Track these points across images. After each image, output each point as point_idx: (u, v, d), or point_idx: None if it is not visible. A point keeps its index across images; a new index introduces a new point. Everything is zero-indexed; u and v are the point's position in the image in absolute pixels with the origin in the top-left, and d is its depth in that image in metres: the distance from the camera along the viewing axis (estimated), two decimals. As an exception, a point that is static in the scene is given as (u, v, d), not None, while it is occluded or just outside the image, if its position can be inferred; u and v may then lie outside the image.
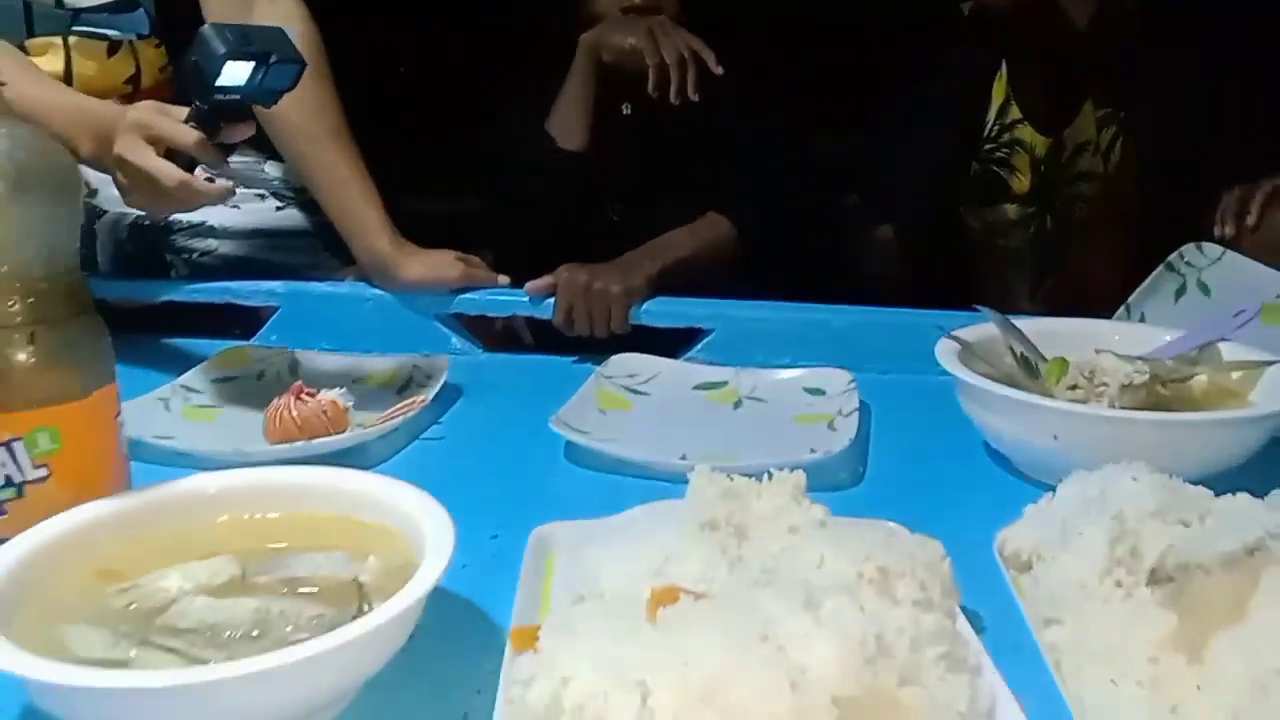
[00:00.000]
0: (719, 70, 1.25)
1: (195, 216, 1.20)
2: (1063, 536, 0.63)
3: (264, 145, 1.22)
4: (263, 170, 1.24)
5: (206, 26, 0.85)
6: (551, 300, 1.19)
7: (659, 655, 0.49)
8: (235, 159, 1.25)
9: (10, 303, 0.60)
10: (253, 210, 1.23)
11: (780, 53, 1.50)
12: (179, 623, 0.54)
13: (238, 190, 1.22)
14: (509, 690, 0.52)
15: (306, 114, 1.10)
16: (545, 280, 1.18)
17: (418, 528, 0.58)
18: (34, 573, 0.56)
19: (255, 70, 0.85)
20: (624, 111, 1.40)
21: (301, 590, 0.57)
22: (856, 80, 1.54)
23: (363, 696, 0.55)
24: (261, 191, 1.23)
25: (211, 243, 1.21)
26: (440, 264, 1.16)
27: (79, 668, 0.48)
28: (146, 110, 0.89)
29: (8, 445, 0.61)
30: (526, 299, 1.19)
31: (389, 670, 0.55)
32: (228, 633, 0.53)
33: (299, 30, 1.09)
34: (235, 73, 0.84)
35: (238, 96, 0.85)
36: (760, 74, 1.39)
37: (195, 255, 1.17)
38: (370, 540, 0.60)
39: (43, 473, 0.62)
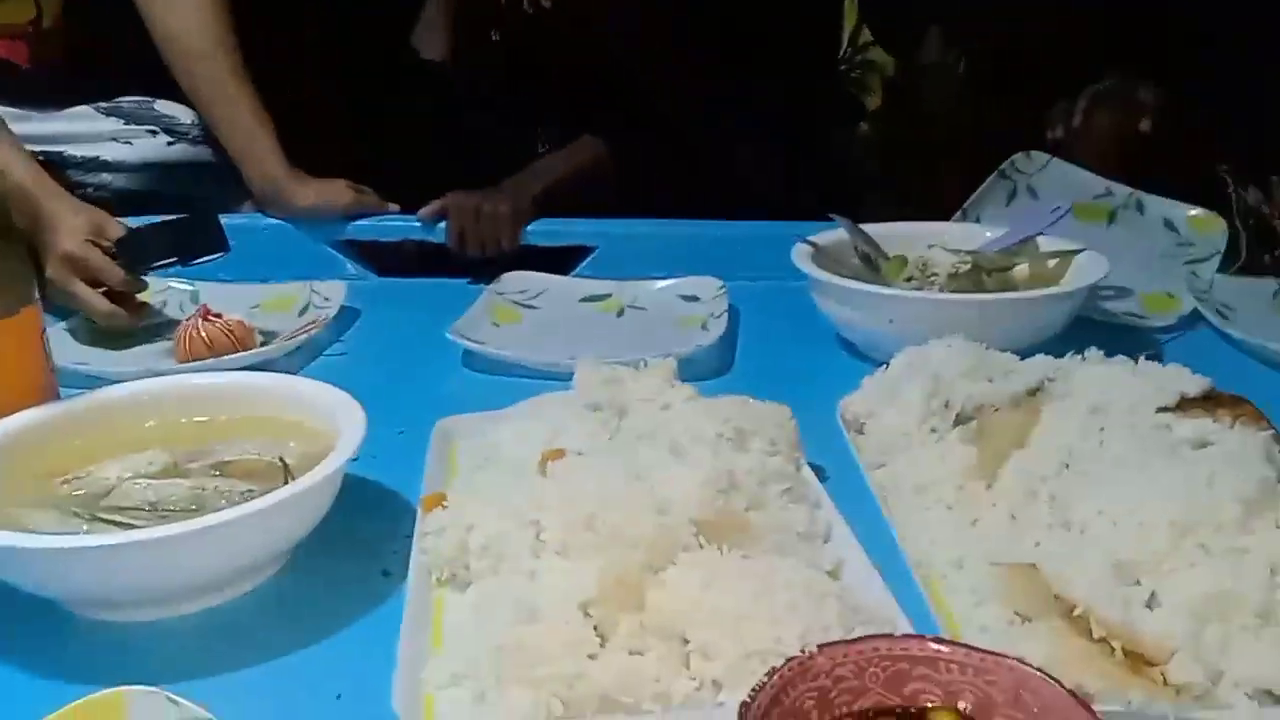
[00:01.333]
0: None
1: (88, 151, 1.23)
2: (890, 396, 0.74)
3: (153, 84, 1.25)
4: (153, 108, 1.27)
5: (140, 228, 1.00)
6: (441, 225, 1.26)
7: (548, 498, 0.58)
8: (125, 100, 1.28)
9: (-67, 229, 0.65)
10: (144, 145, 1.25)
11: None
12: (122, 502, 0.61)
13: (130, 126, 1.26)
14: (422, 541, 0.61)
15: (201, 38, 1.14)
16: (435, 205, 1.25)
17: (332, 417, 0.66)
18: (-14, 471, 0.62)
19: (181, 260, 1.02)
20: (492, 38, 1.45)
21: (230, 472, 0.64)
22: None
23: (295, 558, 0.63)
24: (152, 128, 1.26)
25: (105, 177, 1.23)
26: (332, 190, 1.21)
27: (41, 535, 0.55)
28: (79, 244, 0.96)
29: (-59, 361, 0.66)
30: (417, 224, 1.26)
31: (315, 537, 0.63)
32: (168, 509, 0.60)
33: None
34: (163, 263, 1.01)
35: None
36: None
37: (90, 190, 1.19)
38: (290, 431, 0.68)
39: (-25, 386, 0.67)
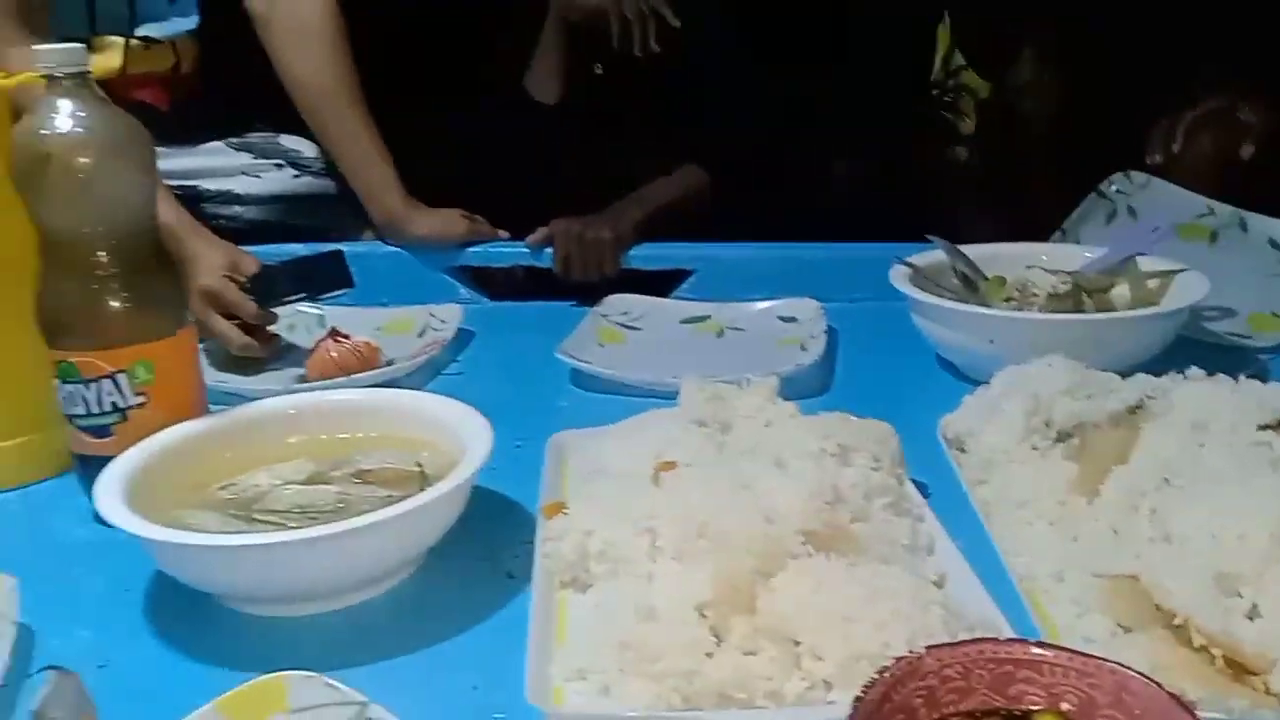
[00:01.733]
0: (677, 23, 1.37)
1: (221, 185, 1.32)
2: (991, 415, 0.76)
3: (279, 120, 1.34)
4: (279, 142, 1.36)
5: (272, 265, 1.08)
6: (549, 251, 1.31)
7: (662, 507, 0.62)
8: (254, 135, 1.37)
9: (106, 257, 0.72)
10: (272, 179, 1.34)
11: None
12: (275, 506, 0.67)
13: (258, 161, 1.35)
14: (544, 547, 0.66)
15: (327, 80, 1.23)
16: (542, 232, 1.31)
17: (460, 430, 0.71)
18: (148, 477, 0.68)
19: (310, 295, 1.10)
20: (596, 71, 1.51)
21: (371, 480, 0.69)
22: (810, 26, 1.64)
23: (428, 561, 0.69)
24: (279, 161, 1.35)
25: (237, 209, 1.32)
26: (448, 220, 1.29)
27: (208, 533, 0.61)
28: (217, 279, 1.05)
29: (112, 377, 0.73)
30: (526, 250, 1.32)
31: (444, 541, 0.68)
32: (316, 512, 0.66)
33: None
34: (292, 298, 1.09)
35: None
36: (720, 26, 1.50)
37: (223, 222, 1.28)
38: (423, 444, 0.73)
39: (141, 400, 0.74)
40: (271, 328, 1.09)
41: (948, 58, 1.57)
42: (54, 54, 0.70)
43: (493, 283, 1.34)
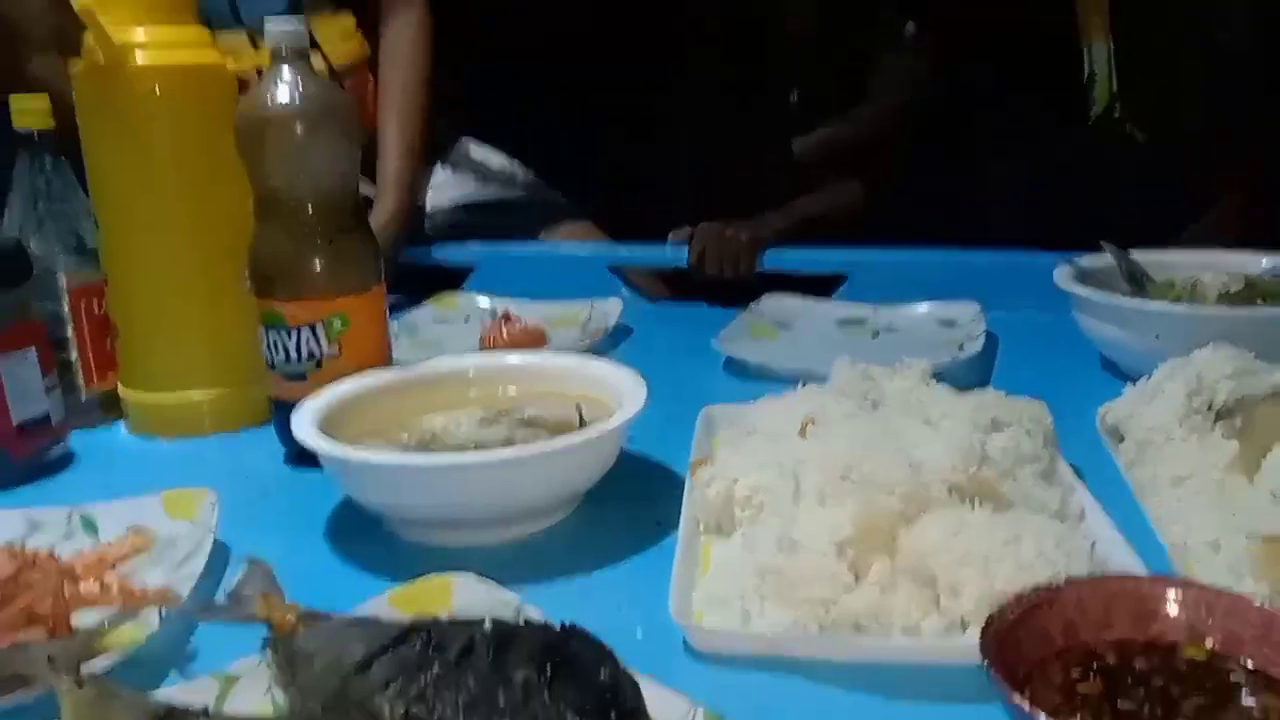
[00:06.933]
0: None
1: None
2: (1152, 398, 0.75)
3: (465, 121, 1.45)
4: (468, 152, 1.47)
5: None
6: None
7: (807, 454, 0.64)
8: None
9: (312, 217, 0.80)
10: (461, 189, 1.47)
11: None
12: (449, 441, 0.72)
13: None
14: (692, 494, 0.69)
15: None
16: (686, 230, 1.36)
17: (619, 387, 0.75)
18: (337, 415, 0.75)
19: None
20: (791, 99, 1.58)
21: (536, 425, 0.74)
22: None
23: (582, 509, 0.73)
24: (465, 174, 1.47)
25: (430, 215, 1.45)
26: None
27: (388, 453, 0.67)
28: None
29: (311, 327, 0.81)
30: (678, 252, 1.37)
31: (599, 492, 0.72)
32: (486, 448, 0.71)
33: (415, 20, 1.33)
34: None
35: None
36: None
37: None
38: (585, 398, 0.78)
39: (335, 349, 0.81)
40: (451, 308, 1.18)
41: (1111, 105, 1.58)
42: (279, 29, 0.79)
43: (638, 281, 1.39)
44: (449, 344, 1.16)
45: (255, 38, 1.32)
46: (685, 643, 0.56)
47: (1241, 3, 1.60)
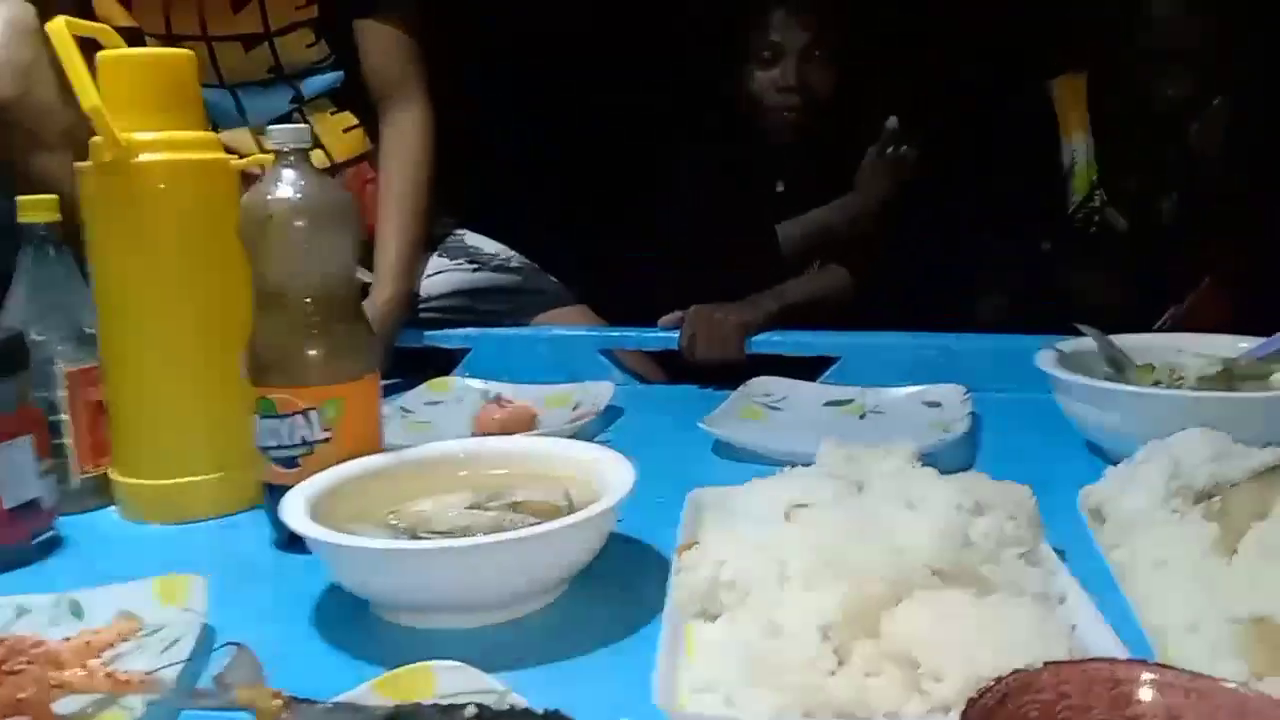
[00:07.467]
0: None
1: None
2: (1131, 481, 0.76)
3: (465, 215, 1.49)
4: (463, 241, 1.50)
5: None
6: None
7: (793, 540, 0.65)
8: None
9: (310, 308, 0.82)
10: (452, 274, 1.49)
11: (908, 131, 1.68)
12: (437, 526, 0.73)
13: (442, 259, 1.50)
14: (677, 577, 0.69)
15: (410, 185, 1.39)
16: (676, 314, 1.38)
17: (605, 471, 0.76)
18: (326, 500, 0.76)
19: None
20: (778, 189, 1.62)
21: (524, 509, 0.75)
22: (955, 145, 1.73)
23: (571, 588, 0.73)
24: (461, 260, 1.50)
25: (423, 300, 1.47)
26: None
27: (373, 539, 0.67)
28: None
29: (304, 413, 0.82)
30: (669, 336, 1.39)
31: (586, 577, 0.73)
32: (474, 533, 0.72)
33: (416, 117, 1.37)
34: None
35: None
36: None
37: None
38: (572, 482, 0.79)
39: (327, 435, 0.82)
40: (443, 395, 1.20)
41: (1090, 194, 1.64)
42: (283, 133, 0.82)
43: (631, 364, 1.41)
44: (442, 425, 1.17)
45: (259, 136, 1.36)
46: (670, 729, 0.56)
47: (1216, 94, 1.66)
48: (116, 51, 0.94)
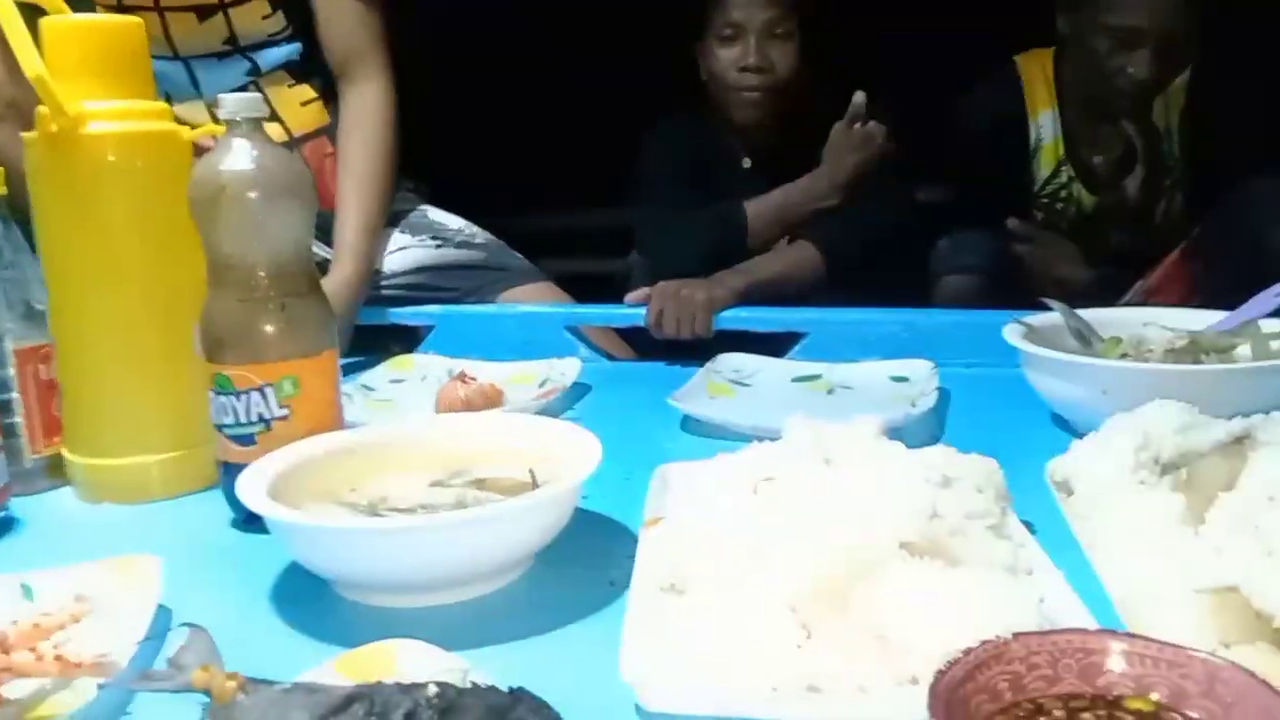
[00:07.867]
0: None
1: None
2: (1100, 453, 0.76)
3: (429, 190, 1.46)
4: (426, 215, 1.48)
5: None
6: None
7: (761, 515, 0.64)
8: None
9: (265, 282, 0.80)
10: (416, 251, 1.46)
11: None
12: (398, 504, 0.71)
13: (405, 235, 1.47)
14: (645, 552, 0.68)
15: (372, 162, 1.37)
16: (643, 291, 1.37)
17: (571, 448, 0.75)
18: (284, 479, 0.74)
19: None
20: (744, 165, 1.60)
21: (488, 487, 0.74)
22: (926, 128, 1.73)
23: (535, 569, 0.72)
24: (423, 237, 1.47)
25: (384, 277, 1.44)
26: None
27: (334, 519, 0.66)
28: None
29: (261, 390, 0.80)
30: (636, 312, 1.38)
31: (552, 552, 0.72)
32: (436, 511, 0.70)
33: (377, 91, 1.34)
34: None
35: None
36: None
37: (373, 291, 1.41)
38: (537, 459, 0.77)
39: (285, 412, 0.80)
40: (407, 371, 1.17)
41: (1057, 170, 1.65)
42: (234, 102, 0.79)
43: (598, 341, 1.40)
44: (405, 403, 1.16)
45: (214, 110, 1.33)
46: (637, 705, 0.55)
47: (1181, 69, 1.66)
48: (61, 18, 0.90)
